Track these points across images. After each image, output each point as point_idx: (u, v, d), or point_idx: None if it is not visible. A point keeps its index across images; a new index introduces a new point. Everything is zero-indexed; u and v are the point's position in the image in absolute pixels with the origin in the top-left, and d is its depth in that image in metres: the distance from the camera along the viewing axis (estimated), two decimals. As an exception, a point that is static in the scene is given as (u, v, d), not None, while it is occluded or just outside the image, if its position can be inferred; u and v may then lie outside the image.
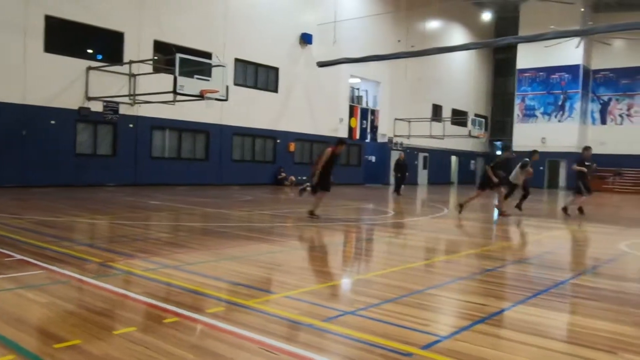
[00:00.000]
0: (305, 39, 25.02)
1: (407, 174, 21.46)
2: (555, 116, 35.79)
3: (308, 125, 25.81)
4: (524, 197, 13.82)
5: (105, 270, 5.25)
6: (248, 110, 22.77)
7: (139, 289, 4.52)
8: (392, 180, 30.54)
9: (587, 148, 13.71)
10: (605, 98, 35.87)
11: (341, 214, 12.30)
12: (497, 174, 12.37)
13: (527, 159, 13.23)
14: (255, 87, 23.46)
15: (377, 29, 29.19)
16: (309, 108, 25.78)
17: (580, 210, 13.48)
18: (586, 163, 13.41)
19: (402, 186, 20.89)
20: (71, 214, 10.09)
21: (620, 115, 35.30)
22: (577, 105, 34.90)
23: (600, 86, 36.02)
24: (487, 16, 37.39)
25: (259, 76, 23.76)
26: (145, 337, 3.29)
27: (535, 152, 13.81)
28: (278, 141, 24.51)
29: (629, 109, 34.96)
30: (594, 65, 35.92)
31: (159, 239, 7.56)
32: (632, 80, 34.64)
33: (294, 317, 3.83)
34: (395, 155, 30.76)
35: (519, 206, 13.66)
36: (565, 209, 13.83)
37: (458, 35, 36.22)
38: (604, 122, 35.89)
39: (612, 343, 3.53)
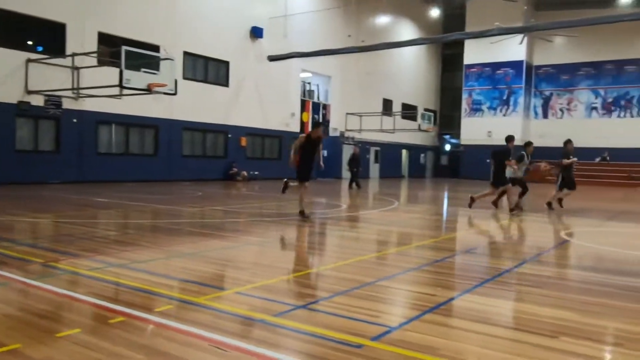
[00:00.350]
0: (256, 32, 24.78)
1: (360, 168, 21.65)
2: (501, 110, 36.93)
3: (260, 119, 25.62)
4: (503, 194, 12.91)
5: (48, 270, 5.05)
6: (198, 104, 22.38)
7: (84, 290, 4.38)
8: (346, 174, 30.85)
9: (569, 141, 13.45)
10: (547, 93, 37.29)
11: (294, 209, 12.28)
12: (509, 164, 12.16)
13: (523, 152, 12.89)
14: (205, 81, 23.06)
15: (328, 24, 29.25)
16: (260, 102, 25.58)
17: (550, 204, 13.25)
18: (570, 157, 13.22)
19: (356, 180, 21.03)
20: (11, 212, 9.65)
21: (561, 110, 36.79)
22: (521, 99, 36.13)
23: (542, 81, 37.41)
24: (435, 12, 38.09)
25: (208, 70, 23.38)
26: (90, 338, 3.19)
27: (529, 143, 13.34)
28: (229, 136, 24.22)
29: (568, 104, 36.48)
30: (536, 61, 37.26)
31: (106, 237, 7.34)
32: (571, 76, 36.15)
33: (245, 313, 3.80)
34: (346, 149, 31.04)
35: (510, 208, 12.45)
36: (560, 201, 13.61)
37: (407, 30, 36.76)
38: (545, 116, 37.31)
39: (554, 328, 3.68)
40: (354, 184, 20.65)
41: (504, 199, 12.82)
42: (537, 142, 35.99)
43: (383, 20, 34.25)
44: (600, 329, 3.77)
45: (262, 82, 25.40)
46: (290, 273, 5.64)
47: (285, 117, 27.11)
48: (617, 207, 13.52)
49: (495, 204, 12.68)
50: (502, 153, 12.51)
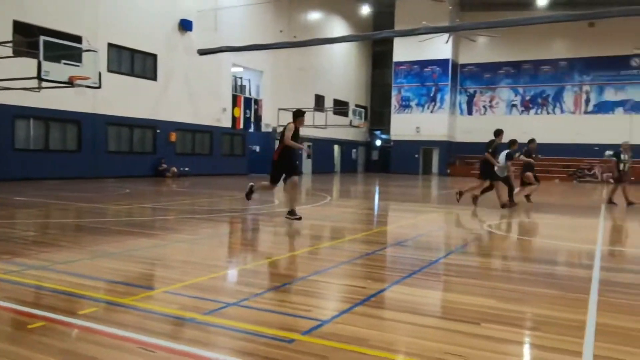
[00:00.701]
0: (185, 25, 24.18)
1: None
2: (428, 107, 38.13)
3: (190, 114, 25.05)
4: (487, 190, 12.89)
5: (-43, 275, 4.71)
6: (124, 98, 21.56)
7: (-1, 294, 4.12)
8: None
9: (532, 140, 13.98)
10: (471, 90, 38.88)
11: (225, 205, 12.14)
12: (494, 159, 12.10)
13: (510, 151, 12.83)
14: (131, 74, 22.25)
15: (259, 18, 29.02)
16: (190, 97, 25.02)
17: (528, 197, 13.86)
18: (533, 155, 13.74)
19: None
20: None
21: (484, 107, 38.48)
22: (447, 97, 37.46)
23: (466, 79, 38.95)
24: (365, 10, 38.71)
25: (135, 63, 22.57)
26: (5, 346, 3.01)
27: (514, 142, 13.14)
28: (158, 131, 23.52)
29: (491, 101, 38.23)
30: (461, 60, 38.74)
31: (25, 238, 6.94)
32: (493, 74, 37.88)
33: (174, 312, 3.72)
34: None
35: (510, 202, 12.55)
36: (527, 197, 13.96)
37: (338, 27, 37.13)
38: (470, 112, 38.89)
39: (477, 315, 3.85)
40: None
41: (493, 195, 12.71)
42: (464, 138, 37.91)
43: (315, 16, 34.42)
44: (520, 314, 3.98)
45: (192, 76, 24.86)
46: (221, 270, 5.56)
47: (216, 112, 26.67)
48: (535, 199, 14.32)
49: (475, 199, 12.59)
50: (486, 145, 12.45)
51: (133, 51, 22.25)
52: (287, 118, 32.28)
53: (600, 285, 4.89)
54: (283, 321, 3.58)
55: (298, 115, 9.08)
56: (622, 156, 14.16)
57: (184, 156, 24.99)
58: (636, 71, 33.78)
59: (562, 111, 35.94)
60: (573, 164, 33.69)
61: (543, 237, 8.72)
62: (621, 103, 34.31)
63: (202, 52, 24.46)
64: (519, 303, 4.27)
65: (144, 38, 22.44)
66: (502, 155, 12.74)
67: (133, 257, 5.83)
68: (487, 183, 12.63)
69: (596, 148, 33.23)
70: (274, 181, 9.13)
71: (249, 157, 29.83)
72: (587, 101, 35.31)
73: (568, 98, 35.80)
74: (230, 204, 12.70)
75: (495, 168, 12.34)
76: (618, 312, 4.07)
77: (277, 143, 9.61)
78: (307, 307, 3.99)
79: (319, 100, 35.69)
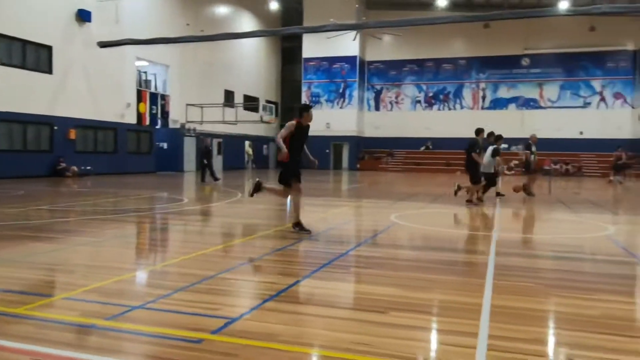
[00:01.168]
0: (83, 15, 22.83)
1: (212, 159, 21.31)
2: (338, 103, 38.82)
3: (90, 110, 23.71)
4: (489, 186, 13.17)
5: None
6: (15, 93, 19.99)
7: None
8: (187, 167, 29.98)
9: (485, 133, 13.71)
10: (378, 87, 40.04)
11: (131, 205, 11.66)
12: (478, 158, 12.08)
13: (496, 146, 12.84)
14: (23, 67, 20.67)
15: (165, 11, 28.06)
16: (90, 92, 23.67)
17: (498, 194, 14.14)
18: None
19: (209, 173, 20.58)
20: None
21: (390, 103, 39.79)
22: (356, 93, 38.33)
23: (373, 76, 40.05)
24: (274, 5, 38.61)
25: (27, 55, 20.98)
26: None
27: (499, 137, 13.17)
28: (55, 128, 22.06)
29: (396, 97, 39.60)
30: (368, 57, 39.76)
31: None
32: (398, 71, 39.25)
33: (73, 319, 3.52)
34: (187, 142, 30.20)
35: (480, 198, 12.66)
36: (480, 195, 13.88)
37: (247, 22, 36.76)
38: (377, 108, 40.05)
39: (384, 304, 3.99)
40: (207, 177, 20.20)
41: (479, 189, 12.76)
42: (372, 133, 38.99)
43: (222, 10, 33.85)
44: (423, 301, 4.18)
45: (93, 69, 23.54)
46: (127, 273, 5.34)
47: (120, 108, 25.46)
48: (438, 191, 15.02)
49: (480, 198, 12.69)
50: (470, 146, 12.36)
51: (25, 42, 20.69)
52: (196, 114, 31.51)
53: (496, 270, 5.24)
54: (191, 321, 3.51)
55: (303, 110, 7.84)
56: (532, 148, 15.08)
57: (85, 154, 23.66)
58: (525, 70, 36.43)
59: (461, 107, 37.95)
60: (472, 157, 35.72)
61: (445, 226, 9.20)
62: (513, 99, 36.86)
63: (103, 45, 23.19)
64: (422, 290, 4.48)
65: (37, 28, 20.93)
66: (488, 152, 12.96)
67: (28, 263, 5.45)
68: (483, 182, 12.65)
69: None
70: (288, 184, 7.83)
71: (157, 154, 28.80)
72: (484, 97, 37.56)
73: (467, 95, 37.88)
74: (136, 203, 12.22)
75: (482, 167, 12.47)
76: (511, 293, 4.39)
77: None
78: (216, 305, 3.94)
79: (229, 96, 35.16)
